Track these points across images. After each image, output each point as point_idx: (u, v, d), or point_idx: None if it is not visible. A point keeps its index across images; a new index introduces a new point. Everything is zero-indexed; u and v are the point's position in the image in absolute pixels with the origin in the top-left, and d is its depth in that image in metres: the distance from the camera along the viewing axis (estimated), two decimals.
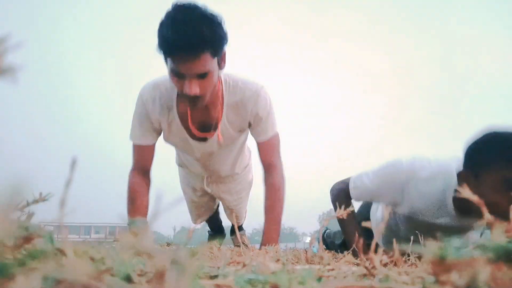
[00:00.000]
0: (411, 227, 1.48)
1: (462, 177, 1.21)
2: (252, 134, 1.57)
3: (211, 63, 1.23)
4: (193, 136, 1.53)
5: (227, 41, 1.25)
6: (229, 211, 2.13)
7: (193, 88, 1.23)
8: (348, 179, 1.54)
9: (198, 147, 1.57)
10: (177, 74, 1.23)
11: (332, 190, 1.60)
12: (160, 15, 1.21)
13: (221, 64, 1.31)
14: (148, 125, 1.49)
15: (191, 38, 1.14)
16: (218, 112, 1.46)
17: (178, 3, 1.19)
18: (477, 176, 1.15)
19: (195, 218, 2.18)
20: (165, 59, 1.25)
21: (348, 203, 1.46)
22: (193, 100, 1.28)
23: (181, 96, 1.37)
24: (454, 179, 1.28)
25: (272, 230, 1.47)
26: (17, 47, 0.26)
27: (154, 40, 1.20)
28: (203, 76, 1.23)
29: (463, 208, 1.28)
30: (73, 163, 0.33)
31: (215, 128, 1.49)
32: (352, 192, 1.49)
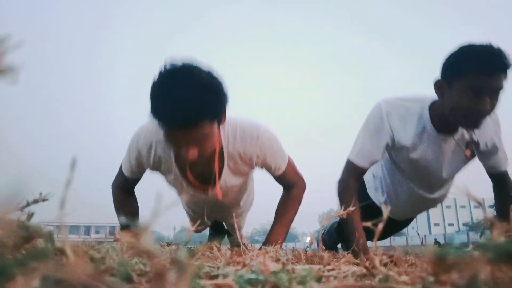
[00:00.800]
0: (412, 177, 1.60)
1: (437, 85, 1.32)
2: (265, 169, 1.50)
3: (210, 127, 1.13)
4: (194, 187, 1.48)
5: (227, 101, 1.16)
6: (230, 225, 2.10)
7: (191, 154, 1.15)
8: (346, 161, 1.52)
9: (201, 196, 1.54)
10: (174, 143, 1.17)
11: (339, 182, 1.54)
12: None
13: (222, 121, 1.21)
14: (140, 169, 1.45)
15: (189, 112, 1.05)
16: (218, 162, 1.38)
17: (172, 66, 1.08)
18: (450, 84, 1.27)
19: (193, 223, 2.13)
20: (158, 124, 1.13)
21: (354, 193, 1.45)
22: (191, 162, 1.24)
23: (177, 157, 1.34)
24: (428, 102, 1.42)
25: (278, 233, 1.45)
26: (17, 47, 0.26)
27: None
28: (201, 142, 1.16)
29: (440, 124, 1.40)
30: (73, 164, 0.33)
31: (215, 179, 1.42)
32: (357, 162, 1.47)
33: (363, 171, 1.48)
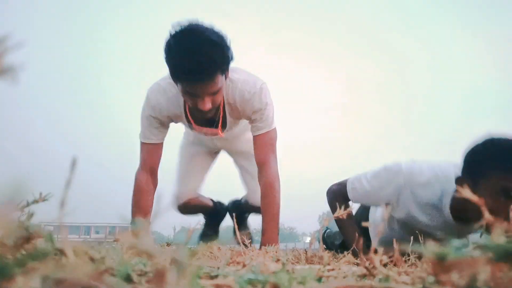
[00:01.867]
0: (407, 232, 1.47)
1: (460, 183, 1.19)
2: (251, 129, 1.62)
3: (221, 80, 1.33)
4: (201, 132, 1.69)
5: (233, 58, 1.35)
6: (246, 173, 2.14)
7: (207, 105, 1.34)
8: (345, 181, 1.53)
9: (207, 138, 1.81)
10: (191, 95, 1.33)
11: (328, 192, 1.59)
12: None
13: (226, 76, 1.41)
14: (156, 124, 1.57)
15: (203, 65, 1.22)
16: (220, 110, 1.55)
17: (183, 27, 1.24)
18: (475, 183, 1.12)
19: (187, 183, 2.11)
20: (175, 81, 1.34)
21: (345, 205, 1.42)
22: (206, 113, 1.39)
23: (192, 108, 1.46)
24: (451, 184, 1.27)
25: (271, 230, 1.47)
26: (18, 47, 0.26)
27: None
28: (214, 93, 1.34)
29: (460, 213, 1.27)
30: (73, 164, 0.33)
31: (218, 124, 1.61)
32: (350, 194, 1.48)
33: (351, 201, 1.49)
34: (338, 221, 1.52)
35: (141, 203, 1.54)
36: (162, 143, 1.63)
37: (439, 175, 1.32)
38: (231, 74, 1.48)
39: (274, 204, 1.51)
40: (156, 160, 1.61)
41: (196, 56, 1.20)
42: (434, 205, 1.32)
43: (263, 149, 1.58)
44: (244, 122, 1.78)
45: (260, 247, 1.33)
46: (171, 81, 1.41)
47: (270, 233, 1.46)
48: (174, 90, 1.50)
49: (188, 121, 1.60)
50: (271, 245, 1.24)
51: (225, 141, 1.98)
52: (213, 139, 1.95)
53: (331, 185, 1.60)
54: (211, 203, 2.31)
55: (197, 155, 2.14)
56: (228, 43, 1.29)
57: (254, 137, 1.60)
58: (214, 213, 2.35)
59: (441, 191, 1.30)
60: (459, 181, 1.20)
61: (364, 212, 1.89)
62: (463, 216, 1.28)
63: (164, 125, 1.60)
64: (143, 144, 1.60)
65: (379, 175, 1.42)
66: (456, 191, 1.26)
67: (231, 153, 2.19)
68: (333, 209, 1.47)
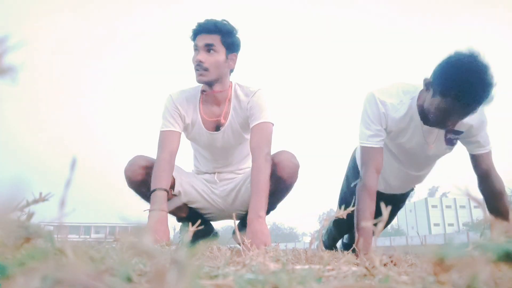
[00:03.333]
0: (398, 161, 1.84)
1: (425, 83, 1.48)
2: (249, 117, 1.79)
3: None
4: (208, 129, 1.85)
5: (238, 47, 1.76)
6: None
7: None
8: (363, 149, 1.66)
9: (212, 137, 1.86)
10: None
11: (361, 178, 1.64)
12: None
13: (230, 63, 1.75)
14: (177, 115, 1.80)
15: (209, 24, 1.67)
16: (226, 109, 1.82)
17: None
18: (434, 91, 1.42)
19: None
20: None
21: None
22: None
23: (203, 93, 1.80)
24: (416, 93, 1.59)
25: (258, 200, 1.53)
26: (18, 47, 0.26)
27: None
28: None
29: (425, 116, 1.56)
30: (73, 164, 0.33)
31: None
32: (371, 144, 1.62)
33: (380, 151, 1.62)
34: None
35: (162, 176, 1.64)
36: (180, 134, 1.80)
37: (405, 90, 1.63)
38: (239, 84, 1.87)
39: (263, 180, 1.57)
40: (174, 145, 1.76)
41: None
42: (408, 114, 1.60)
43: (260, 139, 1.69)
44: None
45: (247, 219, 1.46)
46: (188, 87, 1.87)
47: (257, 203, 1.51)
48: (191, 91, 1.86)
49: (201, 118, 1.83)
50: (259, 213, 1.43)
51: (225, 154, 1.98)
52: (217, 151, 1.96)
53: (357, 188, 1.64)
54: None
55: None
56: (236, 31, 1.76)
57: (251, 129, 1.74)
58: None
59: (410, 100, 1.60)
60: (425, 80, 1.48)
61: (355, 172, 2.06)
62: (427, 118, 1.55)
63: (182, 119, 1.82)
64: (162, 133, 1.77)
65: (366, 113, 1.65)
66: (420, 94, 1.57)
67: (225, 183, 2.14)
68: (360, 200, 1.56)
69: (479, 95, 1.31)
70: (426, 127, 1.61)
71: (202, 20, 1.69)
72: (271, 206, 1.85)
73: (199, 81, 1.73)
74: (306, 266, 0.55)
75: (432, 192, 68.30)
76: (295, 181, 1.77)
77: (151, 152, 1.83)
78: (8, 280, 0.24)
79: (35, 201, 0.59)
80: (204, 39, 1.67)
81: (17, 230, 0.35)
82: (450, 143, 1.68)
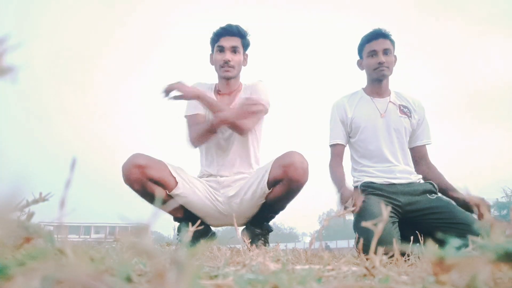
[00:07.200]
0: (364, 150, 2.07)
1: (357, 63, 2.09)
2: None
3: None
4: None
5: (249, 47, 2.07)
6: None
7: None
8: (330, 148, 2.07)
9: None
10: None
11: (329, 166, 2.04)
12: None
13: (245, 62, 2.08)
14: (197, 103, 1.99)
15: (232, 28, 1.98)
16: (234, 104, 2.04)
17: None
18: (361, 57, 2.04)
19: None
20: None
21: (345, 206, 1.70)
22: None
23: (218, 77, 2.08)
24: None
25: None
26: (17, 47, 0.26)
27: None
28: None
29: (371, 90, 2.07)
30: (73, 164, 0.33)
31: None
32: (333, 142, 2.04)
33: (341, 147, 2.04)
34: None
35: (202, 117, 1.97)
36: (204, 115, 1.99)
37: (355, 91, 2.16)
38: (247, 83, 2.13)
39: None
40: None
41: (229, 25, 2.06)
42: (357, 94, 2.11)
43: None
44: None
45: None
46: (205, 82, 2.15)
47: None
48: (208, 82, 2.13)
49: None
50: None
51: (232, 153, 2.07)
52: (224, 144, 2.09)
53: (329, 165, 2.05)
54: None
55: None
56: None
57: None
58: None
59: (359, 89, 2.13)
60: (357, 62, 2.09)
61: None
62: (373, 89, 2.06)
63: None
64: (189, 117, 2.01)
65: (330, 120, 2.09)
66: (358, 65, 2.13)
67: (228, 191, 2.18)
68: (333, 177, 1.97)
69: (381, 31, 1.96)
70: (373, 97, 2.05)
71: (224, 25, 1.98)
72: (281, 207, 1.93)
73: (225, 77, 2.01)
74: (306, 266, 0.55)
75: None
76: (306, 181, 1.82)
77: (151, 152, 1.82)
78: (8, 280, 0.24)
79: (35, 201, 0.59)
80: (230, 41, 1.96)
81: (17, 230, 0.35)
82: (403, 112, 2.02)
